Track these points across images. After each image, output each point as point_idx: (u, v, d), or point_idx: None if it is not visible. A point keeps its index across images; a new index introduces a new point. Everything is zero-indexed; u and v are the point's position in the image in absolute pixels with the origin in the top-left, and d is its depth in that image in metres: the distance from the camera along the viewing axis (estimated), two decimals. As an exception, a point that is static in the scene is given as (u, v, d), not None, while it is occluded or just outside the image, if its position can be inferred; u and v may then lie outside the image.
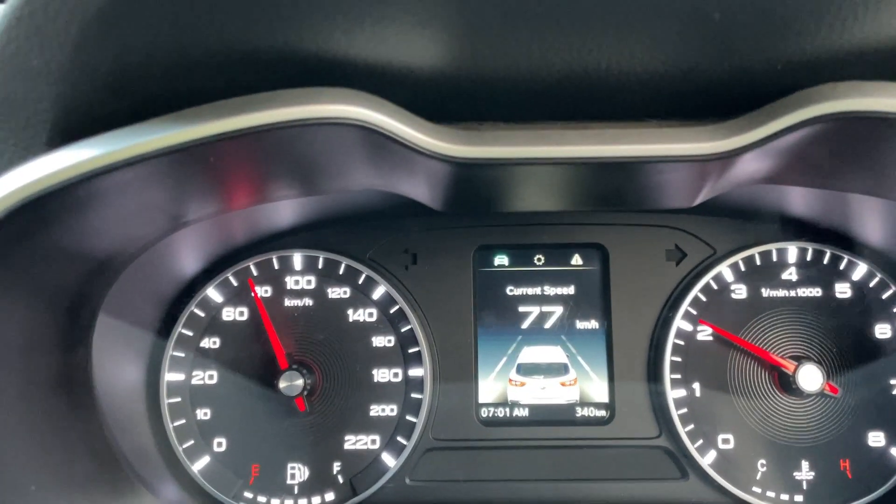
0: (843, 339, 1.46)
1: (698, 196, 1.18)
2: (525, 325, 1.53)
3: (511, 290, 1.54)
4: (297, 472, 1.47)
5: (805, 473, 1.43)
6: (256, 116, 0.88)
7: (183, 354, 1.49)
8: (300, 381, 1.42)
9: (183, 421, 1.47)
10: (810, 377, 1.39)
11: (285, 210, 1.41)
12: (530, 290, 1.54)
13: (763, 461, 1.43)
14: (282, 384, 1.42)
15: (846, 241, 1.47)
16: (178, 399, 1.48)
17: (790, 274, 1.49)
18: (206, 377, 1.49)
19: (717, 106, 0.99)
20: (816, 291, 1.47)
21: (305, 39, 0.88)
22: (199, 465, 1.46)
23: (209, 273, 1.52)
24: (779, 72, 0.93)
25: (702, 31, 0.89)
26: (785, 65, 0.91)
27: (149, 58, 0.86)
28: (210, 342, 1.50)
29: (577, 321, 1.53)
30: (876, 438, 1.43)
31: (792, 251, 1.49)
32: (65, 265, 1.05)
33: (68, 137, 0.89)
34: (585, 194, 1.19)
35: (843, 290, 1.47)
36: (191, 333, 1.50)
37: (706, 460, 1.44)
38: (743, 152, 0.95)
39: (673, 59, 0.93)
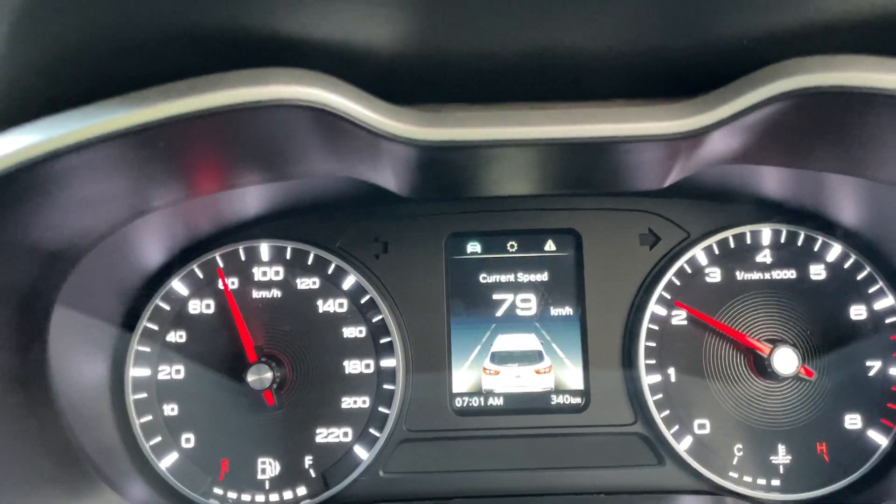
0: (819, 321, 1.45)
1: (668, 177, 1.16)
2: (499, 312, 1.51)
3: (484, 278, 1.52)
4: (268, 467, 1.44)
5: (782, 457, 1.41)
6: (204, 99, 0.84)
7: (148, 349, 1.45)
8: (269, 375, 1.39)
9: (150, 417, 1.44)
10: (785, 360, 1.38)
11: (250, 198, 1.38)
12: (503, 278, 1.52)
13: (739, 446, 1.42)
14: (250, 378, 1.39)
15: (820, 222, 1.45)
16: (145, 395, 1.44)
17: (764, 256, 1.47)
18: (172, 372, 1.45)
19: (684, 83, 0.97)
20: (791, 273, 1.46)
21: (255, 17, 0.84)
22: (166, 462, 1.43)
23: (174, 265, 1.48)
24: (745, 47, 0.90)
25: (666, 5, 0.86)
26: (751, 40, 0.89)
27: (87, 40, 0.83)
28: (176, 336, 1.47)
29: (552, 308, 1.50)
30: (853, 421, 1.42)
31: (766, 233, 1.47)
32: (12, 259, 1.02)
33: (6, 123, 0.85)
34: (554, 177, 1.17)
35: (817, 272, 1.46)
36: (156, 327, 1.46)
37: (682, 446, 1.42)
38: (710, 130, 0.93)
39: (637, 35, 0.90)
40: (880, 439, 1.41)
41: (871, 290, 1.44)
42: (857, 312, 1.44)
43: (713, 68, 0.94)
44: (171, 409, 1.44)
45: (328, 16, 0.85)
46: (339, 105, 0.89)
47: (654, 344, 1.44)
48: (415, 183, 1.15)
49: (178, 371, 1.46)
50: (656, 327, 1.45)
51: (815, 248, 1.46)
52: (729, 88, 0.91)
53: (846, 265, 1.45)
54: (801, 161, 1.13)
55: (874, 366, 1.42)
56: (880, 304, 1.44)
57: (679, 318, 1.46)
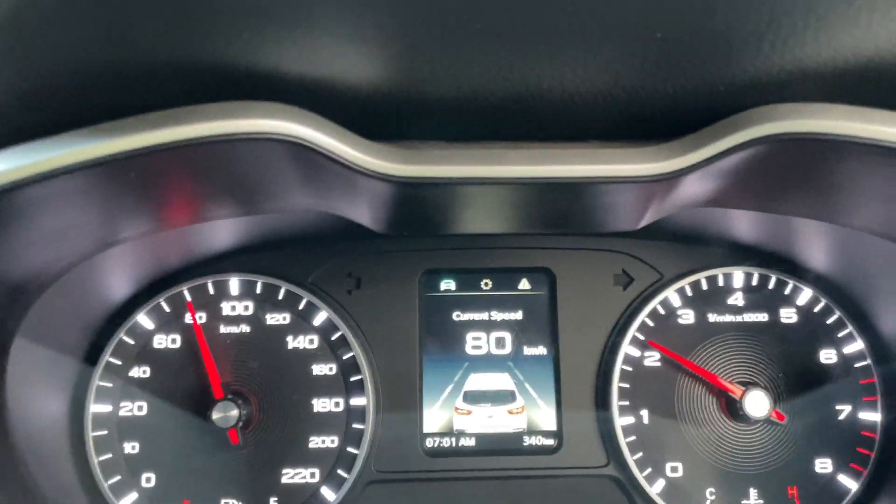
0: (789, 364, 1.45)
1: (642, 219, 1.16)
2: (472, 351, 1.49)
3: (458, 316, 1.50)
4: (231, 509, 1.39)
5: (753, 501, 1.40)
6: (179, 131, 0.83)
7: (111, 384, 1.41)
8: (235, 412, 1.35)
9: (109, 455, 1.39)
10: (757, 403, 1.38)
11: (221, 231, 1.36)
12: (477, 316, 1.50)
13: (712, 489, 1.41)
14: (215, 415, 1.35)
15: (791, 266, 1.47)
16: (105, 432, 1.39)
17: (736, 299, 1.48)
18: (134, 408, 1.41)
19: (661, 127, 0.98)
20: (763, 316, 1.47)
21: (232, 50, 0.83)
22: (126, 503, 1.38)
23: (140, 298, 1.44)
24: (721, 93, 0.91)
25: (644, 51, 0.87)
26: (727, 86, 0.90)
27: (61, 69, 0.81)
28: (140, 371, 1.42)
29: (525, 347, 1.49)
30: (823, 465, 1.41)
31: (738, 276, 1.48)
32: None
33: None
34: (530, 216, 1.17)
35: (788, 316, 1.47)
36: (119, 362, 1.42)
37: (654, 489, 1.40)
38: (685, 173, 0.93)
39: (615, 79, 0.90)
40: (850, 483, 1.41)
41: (840, 335, 1.45)
42: (828, 356, 1.45)
43: (690, 112, 0.95)
44: (131, 448, 1.40)
45: (307, 51, 0.84)
46: (315, 140, 0.88)
47: (627, 385, 1.44)
48: (390, 219, 1.14)
49: (140, 407, 1.41)
50: (630, 368, 1.44)
51: (787, 292, 1.47)
52: (704, 133, 0.92)
53: (816, 309, 1.47)
54: (773, 206, 1.14)
55: (844, 409, 1.43)
56: (850, 349, 1.45)
57: (652, 359, 1.45)
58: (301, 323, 1.46)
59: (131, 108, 0.87)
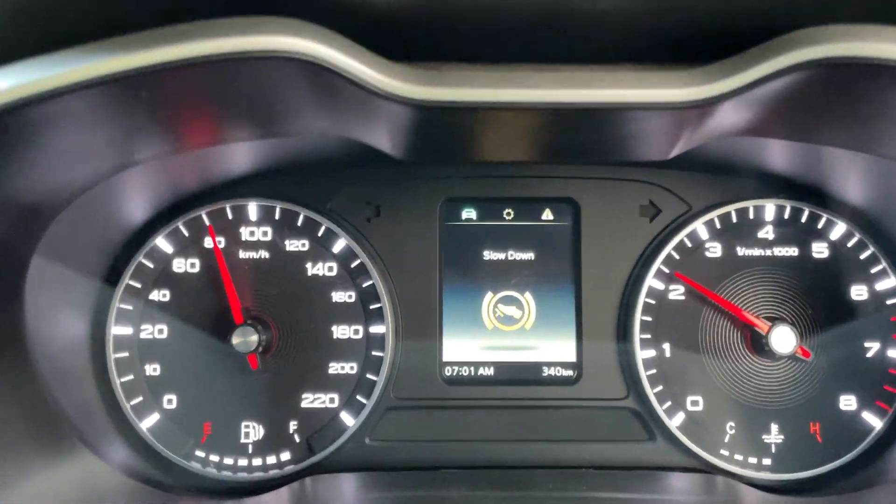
0: (818, 300, 1.41)
1: (674, 148, 1.11)
2: (492, 280, 1.47)
3: (478, 245, 1.47)
4: (252, 431, 1.41)
5: (774, 436, 1.39)
6: (189, 47, 0.79)
7: (131, 307, 1.41)
8: (255, 338, 1.35)
9: (131, 377, 1.40)
10: (784, 339, 1.35)
11: (239, 155, 1.33)
12: (498, 245, 1.47)
13: (732, 424, 1.40)
14: (235, 340, 1.35)
15: (825, 199, 1.41)
16: (126, 354, 1.40)
17: (766, 232, 1.43)
18: (155, 331, 1.42)
19: (696, 49, 0.92)
20: (793, 251, 1.42)
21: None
22: (147, 423, 1.40)
23: (159, 222, 1.43)
24: (762, 12, 0.85)
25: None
26: (769, 5, 0.84)
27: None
28: (160, 294, 1.42)
29: (547, 278, 1.47)
30: (847, 402, 1.39)
31: (769, 208, 1.43)
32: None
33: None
34: (555, 144, 1.12)
35: (819, 250, 1.42)
36: (139, 285, 1.42)
37: (674, 422, 1.40)
38: (722, 100, 0.88)
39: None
40: (875, 421, 1.39)
41: (873, 270, 1.41)
42: (858, 292, 1.41)
43: (728, 34, 0.90)
44: (153, 370, 1.41)
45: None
46: (332, 59, 0.84)
47: (649, 318, 1.41)
48: (410, 145, 1.10)
49: (160, 331, 1.42)
50: (653, 301, 1.41)
51: (819, 226, 1.42)
52: (742, 57, 0.87)
53: (849, 244, 1.42)
54: (812, 135, 1.08)
55: (873, 347, 1.40)
56: (882, 285, 1.41)
57: (677, 292, 1.42)
58: (320, 250, 1.44)
59: (142, 22, 0.83)
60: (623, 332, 1.42)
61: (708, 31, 0.89)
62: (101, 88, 0.83)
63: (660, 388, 1.40)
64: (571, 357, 1.45)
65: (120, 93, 0.86)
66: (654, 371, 1.41)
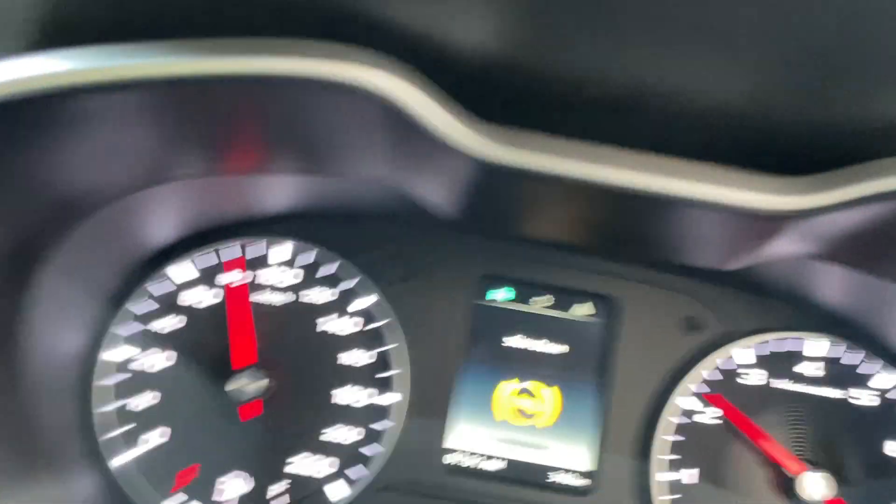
0: (854, 450, 1.32)
1: (739, 259, 1.04)
2: (515, 370, 1.37)
3: (508, 330, 1.39)
4: (227, 490, 1.28)
5: (789, 592, 1.27)
6: (265, 63, 0.73)
7: (126, 334, 1.31)
8: (252, 387, 1.25)
9: (110, 408, 1.29)
10: (817, 486, 1.25)
11: (273, 190, 1.26)
12: (530, 333, 1.38)
13: (748, 570, 1.28)
14: (230, 387, 1.25)
15: (878, 345, 1.34)
16: (110, 382, 1.30)
17: (808, 368, 1.35)
18: (146, 364, 1.31)
19: (791, 161, 0.87)
20: (837, 393, 1.34)
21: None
22: (117, 462, 1.28)
23: (176, 250, 1.35)
24: (875, 133, 0.80)
25: (795, 68, 0.76)
26: (887, 125, 0.79)
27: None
28: (160, 326, 1.33)
29: (574, 376, 1.37)
30: (874, 567, 1.28)
31: (817, 344, 1.35)
32: (16, 197, 0.89)
33: (49, 44, 0.74)
34: (615, 232, 1.05)
35: (862, 397, 1.34)
36: (141, 312, 1.32)
37: (685, 558, 1.28)
38: (817, 214, 0.82)
39: (757, 96, 0.80)
40: (901, 592, 1.27)
41: (917, 430, 1.32)
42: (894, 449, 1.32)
43: (828, 150, 0.84)
44: (135, 405, 1.30)
45: (426, 2, 0.74)
46: (412, 101, 0.78)
47: (675, 439, 1.31)
48: (464, 206, 1.03)
49: (152, 365, 1.32)
50: (681, 421, 1.32)
51: (868, 372, 1.34)
52: (848, 172, 0.81)
53: (894, 395, 1.33)
54: (892, 271, 1.02)
55: (903, 511, 1.30)
56: (924, 446, 1.32)
57: (707, 415, 1.33)
58: (340, 304, 1.35)
59: (217, 29, 0.77)
60: (644, 450, 1.32)
61: (809, 143, 0.84)
62: (155, 90, 0.77)
63: (675, 516, 1.29)
64: (587, 466, 1.34)
65: (175, 98, 0.80)
66: (671, 497, 1.30)
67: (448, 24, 0.77)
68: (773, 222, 0.87)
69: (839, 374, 1.35)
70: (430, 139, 0.82)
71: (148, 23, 0.77)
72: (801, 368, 1.35)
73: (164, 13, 0.79)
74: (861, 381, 1.34)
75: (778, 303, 1.37)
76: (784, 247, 0.98)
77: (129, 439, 1.28)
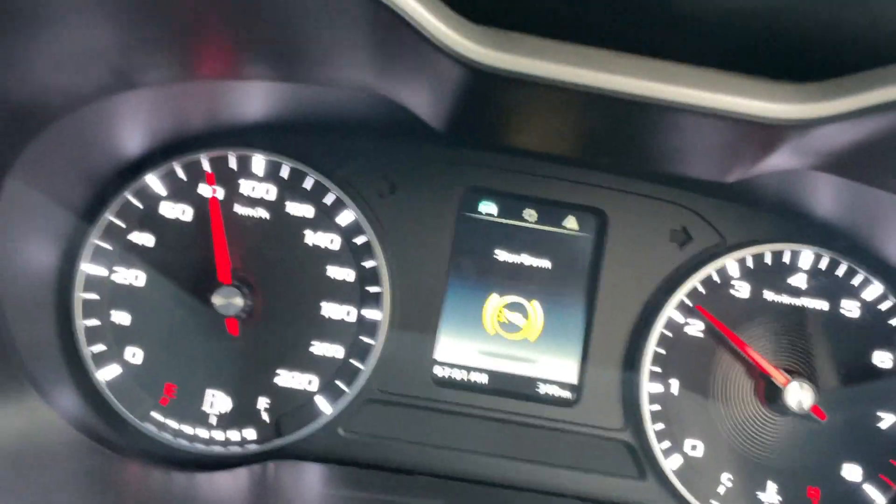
0: (840, 360, 1.33)
1: (737, 171, 1.02)
2: (502, 283, 1.36)
3: (493, 243, 1.37)
4: (217, 401, 1.29)
5: (769, 495, 1.31)
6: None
7: (108, 246, 1.28)
8: (239, 301, 1.24)
9: (96, 321, 1.27)
10: (800, 395, 1.27)
11: (251, 97, 1.20)
12: (515, 247, 1.37)
13: (729, 475, 1.31)
14: (216, 300, 1.24)
15: (866, 256, 1.33)
16: (95, 296, 1.27)
17: (799, 280, 1.35)
18: (130, 277, 1.29)
19: (799, 65, 0.83)
20: (823, 304, 1.34)
21: None
22: (106, 375, 1.27)
23: (154, 159, 1.30)
24: (887, 35, 0.76)
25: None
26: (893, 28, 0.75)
27: None
28: (142, 238, 1.30)
29: (559, 290, 1.36)
30: (852, 471, 1.31)
31: (806, 255, 1.35)
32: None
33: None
34: (609, 141, 1.02)
35: (850, 308, 1.34)
36: (121, 224, 1.29)
37: (669, 464, 1.31)
38: (824, 123, 0.79)
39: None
40: (876, 496, 1.31)
41: (902, 339, 1.34)
42: (882, 359, 1.33)
43: (838, 54, 0.81)
44: (121, 318, 1.28)
45: None
46: (409, 9, 0.73)
47: (662, 350, 1.32)
48: (452, 114, 1.00)
49: (136, 277, 1.29)
50: (669, 333, 1.32)
51: (854, 283, 1.34)
52: (857, 78, 0.77)
53: (883, 306, 1.34)
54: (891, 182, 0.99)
55: (887, 418, 1.32)
56: (909, 356, 1.33)
57: (695, 328, 1.33)
58: (324, 219, 1.32)
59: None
60: (632, 361, 1.33)
61: (819, 46, 0.80)
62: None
63: (661, 425, 1.31)
64: (572, 378, 1.35)
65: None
66: (657, 407, 1.31)
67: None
68: (776, 131, 0.84)
69: (830, 286, 1.35)
70: (425, 45, 0.78)
71: None
72: (795, 281, 1.35)
73: None
74: (852, 292, 1.34)
75: (771, 215, 1.35)
76: (785, 157, 0.95)
77: (115, 353, 1.27)
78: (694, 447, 1.32)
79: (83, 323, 1.26)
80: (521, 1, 0.79)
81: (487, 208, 1.38)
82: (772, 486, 1.31)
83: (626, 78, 0.80)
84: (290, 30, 0.86)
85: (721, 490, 1.31)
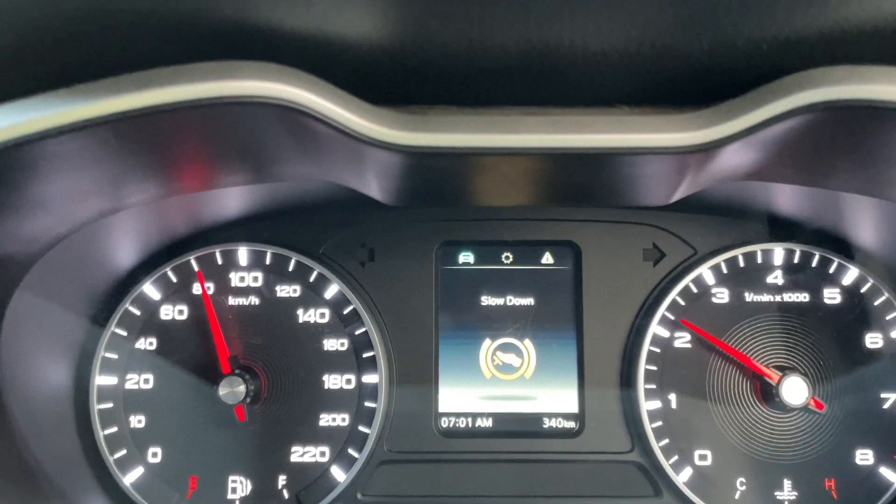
0: (832, 348, 1.35)
1: (675, 193, 1.06)
2: (491, 328, 1.41)
3: (476, 291, 1.42)
4: (239, 486, 1.35)
5: (787, 493, 1.32)
6: (159, 93, 0.76)
7: (116, 356, 1.37)
8: (242, 388, 1.30)
9: (115, 429, 1.35)
10: (795, 390, 1.29)
11: (229, 199, 1.29)
12: (497, 291, 1.42)
13: (742, 479, 1.33)
14: (222, 391, 1.30)
15: (837, 244, 1.36)
16: (110, 405, 1.36)
17: (776, 277, 1.38)
18: (140, 381, 1.37)
19: (696, 91, 0.88)
20: (804, 297, 1.37)
21: (223, 4, 0.76)
22: (131, 478, 1.34)
23: (146, 267, 1.39)
24: (765, 53, 0.81)
25: (680, 3, 0.77)
26: (771, 45, 0.80)
27: (49, 24, 0.74)
28: (146, 343, 1.38)
29: (547, 325, 1.41)
30: (864, 456, 1.32)
31: (778, 253, 1.38)
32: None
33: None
34: (550, 189, 1.08)
35: (831, 296, 1.37)
36: (125, 333, 1.37)
37: (681, 477, 1.33)
38: (724, 144, 0.83)
39: (644, 34, 0.81)
40: (893, 477, 1.31)
41: (888, 317, 1.35)
42: (873, 340, 1.35)
43: (727, 75, 0.85)
44: (137, 421, 1.36)
45: (302, 4, 0.76)
46: (311, 104, 0.80)
47: (654, 367, 1.35)
48: (400, 191, 1.06)
49: (146, 380, 1.37)
50: (658, 350, 1.36)
51: (830, 271, 1.37)
52: (745, 99, 0.82)
53: (863, 289, 1.36)
54: (819, 179, 1.03)
55: (889, 398, 1.33)
56: (898, 332, 1.35)
57: (682, 340, 1.36)
58: (312, 296, 1.39)
59: (113, 67, 0.80)
60: (627, 382, 1.36)
61: (708, 72, 0.85)
62: (72, 134, 0.79)
63: (666, 441, 1.34)
64: (573, 408, 1.39)
65: (92, 138, 0.83)
66: (659, 423, 1.34)
67: (332, 23, 0.79)
68: (684, 158, 0.88)
69: (808, 279, 1.37)
70: (340, 135, 0.84)
71: (41, 73, 0.80)
72: (772, 279, 1.38)
73: (71, 59, 0.80)
74: (831, 280, 1.37)
75: (738, 220, 1.39)
76: (708, 176, 1.00)
77: (137, 455, 1.35)
78: (703, 457, 1.34)
79: (103, 432, 1.34)
80: (418, 77, 0.85)
81: (465, 258, 1.43)
82: (787, 483, 1.33)
83: (536, 135, 0.85)
84: (242, 143, 0.94)
85: (737, 495, 1.33)
